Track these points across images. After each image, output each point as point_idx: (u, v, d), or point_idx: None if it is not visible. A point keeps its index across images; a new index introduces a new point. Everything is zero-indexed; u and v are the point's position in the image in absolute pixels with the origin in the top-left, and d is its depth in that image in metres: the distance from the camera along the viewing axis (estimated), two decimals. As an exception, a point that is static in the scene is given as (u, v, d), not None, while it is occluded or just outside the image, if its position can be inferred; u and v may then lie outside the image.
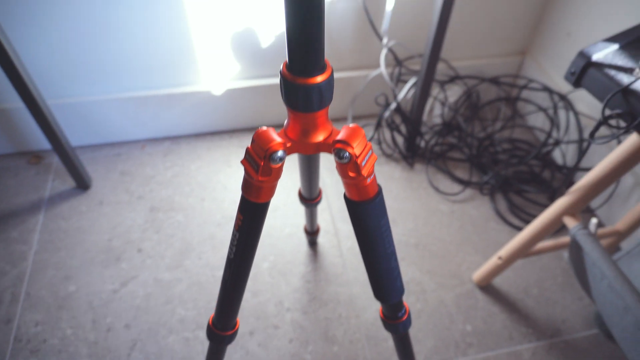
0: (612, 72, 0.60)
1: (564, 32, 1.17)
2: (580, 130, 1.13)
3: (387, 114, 1.22)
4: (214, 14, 1.03)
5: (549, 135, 1.19)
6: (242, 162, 0.42)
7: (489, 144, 1.25)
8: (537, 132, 1.29)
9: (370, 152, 0.42)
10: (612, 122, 0.60)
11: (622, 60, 0.61)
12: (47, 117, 0.97)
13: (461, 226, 1.10)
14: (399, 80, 1.23)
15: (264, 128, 0.41)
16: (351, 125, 0.41)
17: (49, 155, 1.19)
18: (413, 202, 1.14)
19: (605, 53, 0.63)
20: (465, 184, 1.19)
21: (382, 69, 1.15)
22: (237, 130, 1.27)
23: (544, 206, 1.14)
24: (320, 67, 0.36)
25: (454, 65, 1.27)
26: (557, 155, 1.22)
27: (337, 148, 0.40)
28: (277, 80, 1.18)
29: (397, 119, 1.28)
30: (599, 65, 0.62)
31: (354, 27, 1.13)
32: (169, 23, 1.02)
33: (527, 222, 1.11)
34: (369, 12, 1.08)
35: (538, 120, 1.28)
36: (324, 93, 0.37)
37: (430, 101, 1.27)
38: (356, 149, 0.40)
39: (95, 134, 1.20)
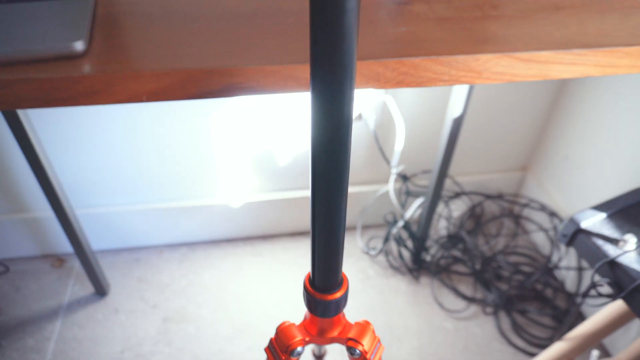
0: (600, 242, 0.66)
1: (562, 155, 1.25)
2: (578, 257, 1.18)
3: (394, 230, 1.29)
4: (235, 134, 1.13)
5: (548, 260, 1.24)
6: (265, 350, 0.47)
7: (492, 258, 1.30)
8: (540, 248, 1.33)
9: (379, 344, 0.47)
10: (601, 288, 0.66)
11: (609, 230, 0.68)
12: (73, 226, 1.04)
13: (465, 346, 1.12)
14: (407, 195, 1.30)
15: (287, 323, 0.46)
16: (361, 321, 0.47)
17: (72, 258, 1.25)
18: (418, 318, 1.17)
19: (593, 221, 0.69)
20: (469, 300, 1.22)
21: (391, 191, 1.23)
22: (251, 238, 1.34)
23: (547, 327, 1.16)
24: (338, 283, 0.42)
25: (458, 181, 1.35)
26: (559, 273, 1.26)
27: (349, 346, 0.45)
28: (292, 194, 1.26)
29: (404, 233, 1.34)
30: (588, 233, 0.68)
31: (365, 148, 1.22)
32: (192, 141, 1.12)
33: (531, 343, 1.13)
34: (379, 139, 1.18)
35: (540, 236, 1.33)
36: (340, 304, 0.43)
37: (435, 216, 1.34)
38: (366, 345, 0.45)
39: (116, 239, 1.27)
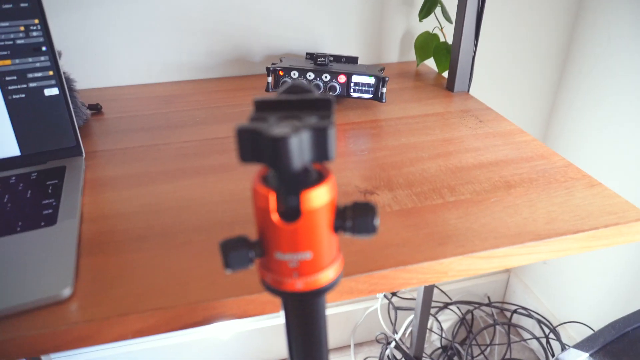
0: (588, 386, 0.67)
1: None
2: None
3: (388, 351, 1.27)
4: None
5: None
6: None
7: (489, 371, 1.28)
8: (537, 354, 1.32)
9: None
10: None
11: (594, 372, 0.68)
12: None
13: None
14: (396, 310, 1.30)
15: None
16: None
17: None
18: None
19: (577, 362, 0.70)
20: (472, 421, 1.18)
21: (379, 313, 1.23)
22: (241, 369, 1.30)
23: None
24: None
25: (443, 289, 1.36)
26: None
27: None
28: (280, 320, 1.25)
29: (398, 353, 1.32)
30: (575, 376, 0.68)
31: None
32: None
33: None
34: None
35: (535, 343, 1.32)
36: None
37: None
38: None
39: (101, 385, 1.22)
